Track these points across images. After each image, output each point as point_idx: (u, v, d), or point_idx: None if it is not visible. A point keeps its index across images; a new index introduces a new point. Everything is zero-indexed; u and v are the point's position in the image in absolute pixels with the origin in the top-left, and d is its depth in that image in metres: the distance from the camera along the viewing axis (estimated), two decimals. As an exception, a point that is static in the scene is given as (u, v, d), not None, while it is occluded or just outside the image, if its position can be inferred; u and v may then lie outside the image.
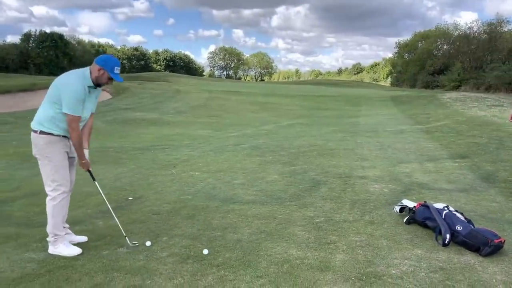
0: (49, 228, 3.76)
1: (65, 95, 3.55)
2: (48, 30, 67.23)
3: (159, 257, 3.62)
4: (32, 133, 3.71)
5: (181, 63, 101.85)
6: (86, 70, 3.70)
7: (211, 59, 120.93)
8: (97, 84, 3.74)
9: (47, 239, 3.79)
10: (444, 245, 3.71)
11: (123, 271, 3.36)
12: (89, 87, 3.68)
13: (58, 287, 3.12)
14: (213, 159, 8.27)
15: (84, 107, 3.70)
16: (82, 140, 3.78)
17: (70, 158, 3.87)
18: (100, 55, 3.84)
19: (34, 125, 3.70)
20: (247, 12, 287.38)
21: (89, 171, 3.95)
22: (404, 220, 4.36)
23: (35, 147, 3.71)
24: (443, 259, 3.48)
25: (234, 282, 3.15)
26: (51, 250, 3.76)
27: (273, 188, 5.88)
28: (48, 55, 62.06)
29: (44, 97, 3.78)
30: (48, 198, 3.74)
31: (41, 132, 3.64)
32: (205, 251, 3.69)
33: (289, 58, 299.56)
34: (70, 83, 3.59)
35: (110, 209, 4.10)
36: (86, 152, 3.87)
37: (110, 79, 3.74)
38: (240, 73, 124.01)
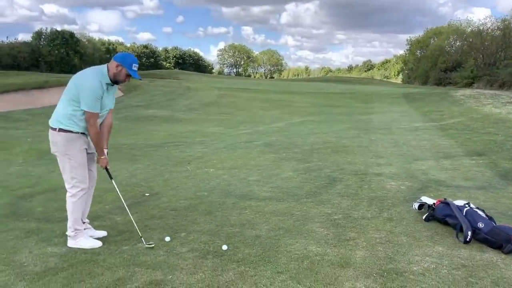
0: (69, 223, 3.81)
1: (83, 93, 3.58)
2: (59, 28, 67.81)
3: (179, 252, 3.64)
4: (51, 131, 3.73)
5: (191, 61, 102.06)
6: (103, 67, 3.73)
7: (220, 57, 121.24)
8: (114, 81, 3.77)
9: (67, 233, 3.84)
10: (466, 242, 3.68)
11: (144, 266, 3.39)
12: (106, 84, 3.71)
13: (81, 281, 3.15)
14: (227, 156, 8.29)
15: (102, 104, 3.72)
16: (101, 136, 3.79)
17: (90, 154, 3.90)
18: (118, 53, 3.87)
19: (52, 122, 3.72)
20: (256, 9, 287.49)
21: (107, 169, 3.97)
22: (424, 217, 4.33)
23: (54, 145, 3.73)
24: (465, 256, 3.45)
25: (255, 278, 3.15)
26: (72, 244, 3.81)
27: (288, 185, 5.87)
28: (59, 53, 62.56)
29: (58, 95, 3.81)
30: (68, 195, 3.79)
31: (60, 130, 3.66)
32: (224, 247, 3.70)
33: (298, 55, 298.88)
34: (88, 81, 3.62)
35: (126, 208, 4.11)
36: (104, 150, 3.90)
37: (128, 76, 3.76)
38: (250, 70, 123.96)
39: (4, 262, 3.50)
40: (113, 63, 3.71)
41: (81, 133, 3.71)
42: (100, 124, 3.83)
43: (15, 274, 3.28)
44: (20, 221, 4.54)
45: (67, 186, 3.78)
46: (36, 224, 4.42)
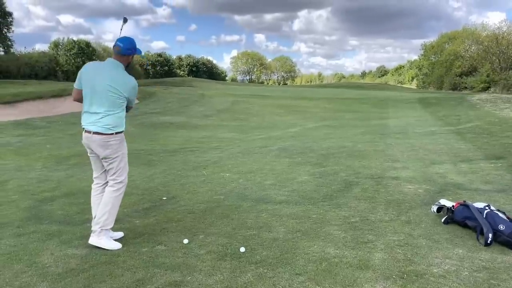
0: (104, 219, 3.85)
1: (131, 93, 3.88)
2: (75, 38, 68.97)
3: (197, 254, 3.67)
4: (103, 137, 3.75)
5: (204, 68, 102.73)
6: (118, 63, 3.85)
7: (233, 64, 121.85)
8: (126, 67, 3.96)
9: (92, 228, 3.90)
10: (486, 244, 3.63)
11: (163, 267, 3.42)
12: None
13: (101, 282, 3.20)
14: (242, 161, 8.32)
15: None
16: None
17: None
18: (122, 45, 3.81)
19: (103, 130, 3.74)
20: (268, 17, 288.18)
21: None
22: (442, 220, 4.28)
23: (106, 149, 3.79)
24: (486, 258, 3.41)
25: (274, 279, 3.16)
26: (94, 241, 3.85)
27: (304, 189, 5.87)
28: (75, 62, 63.64)
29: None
30: (111, 189, 3.91)
31: (117, 133, 3.81)
32: (242, 249, 3.72)
33: (311, 61, 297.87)
34: (134, 83, 3.89)
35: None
36: None
37: None
38: (263, 77, 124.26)
39: (27, 263, 3.57)
40: (124, 57, 3.86)
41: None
42: None
43: (37, 275, 3.35)
44: (42, 224, 4.62)
45: (114, 182, 3.92)
46: (57, 227, 4.50)
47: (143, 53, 4.00)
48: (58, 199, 5.68)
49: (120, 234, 4.15)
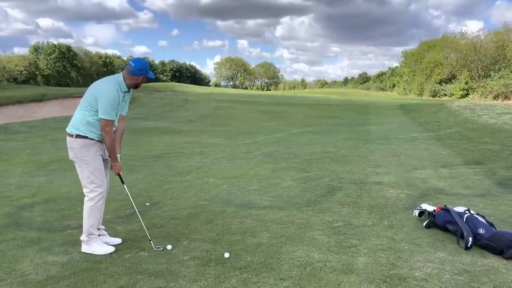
0: (85, 228, 3.83)
1: (101, 100, 3.65)
2: (55, 42, 67.88)
3: (181, 260, 3.64)
4: (68, 137, 3.79)
5: (188, 74, 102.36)
6: (119, 76, 3.82)
7: (217, 70, 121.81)
8: (135, 87, 3.88)
9: (81, 238, 3.87)
10: (467, 248, 3.70)
11: (147, 273, 3.38)
12: (123, 92, 3.81)
13: (83, 289, 3.14)
14: (226, 166, 8.30)
15: (117, 111, 3.79)
16: (115, 143, 3.85)
17: (105, 161, 3.96)
18: (133, 64, 3.81)
19: (70, 129, 3.78)
20: (250, 23, 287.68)
21: (119, 175, 4.03)
22: (424, 224, 4.35)
23: (71, 151, 3.79)
24: (467, 262, 3.48)
25: (258, 285, 3.15)
26: (85, 249, 3.83)
27: (288, 194, 5.89)
28: (56, 66, 62.69)
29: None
30: (85, 199, 3.83)
31: (77, 136, 3.73)
32: (226, 255, 3.71)
33: (294, 68, 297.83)
34: (107, 89, 3.70)
35: (137, 212, 4.26)
36: (117, 156, 3.96)
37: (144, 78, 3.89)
38: (247, 83, 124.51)
39: (6, 271, 3.49)
40: (133, 77, 3.79)
41: (97, 140, 3.79)
42: (114, 131, 3.87)
43: (16, 283, 3.27)
44: (21, 231, 4.51)
45: (85, 191, 3.83)
46: (36, 234, 4.40)
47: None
48: (38, 205, 5.56)
49: (117, 240, 4.11)
